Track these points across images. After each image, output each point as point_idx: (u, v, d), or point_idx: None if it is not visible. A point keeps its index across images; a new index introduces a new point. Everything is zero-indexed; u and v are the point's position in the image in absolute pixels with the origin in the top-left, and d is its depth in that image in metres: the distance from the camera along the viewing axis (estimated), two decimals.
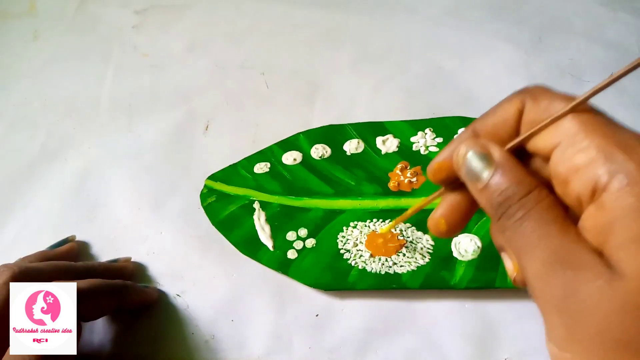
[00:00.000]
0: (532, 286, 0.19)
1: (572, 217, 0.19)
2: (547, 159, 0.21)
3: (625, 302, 0.16)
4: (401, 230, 0.39)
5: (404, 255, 0.37)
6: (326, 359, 0.34)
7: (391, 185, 0.41)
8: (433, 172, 0.24)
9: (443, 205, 0.24)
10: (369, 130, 0.45)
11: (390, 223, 0.36)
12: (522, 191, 0.19)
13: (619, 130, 0.19)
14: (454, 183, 0.24)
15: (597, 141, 0.19)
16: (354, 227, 0.39)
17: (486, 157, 0.21)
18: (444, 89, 0.50)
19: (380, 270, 0.37)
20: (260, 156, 0.44)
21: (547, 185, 0.20)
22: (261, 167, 0.43)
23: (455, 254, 0.37)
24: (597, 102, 0.53)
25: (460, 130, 0.44)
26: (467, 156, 0.21)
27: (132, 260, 0.39)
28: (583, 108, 0.20)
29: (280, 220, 0.40)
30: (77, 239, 0.40)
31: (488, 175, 0.20)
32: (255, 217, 0.40)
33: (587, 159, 0.18)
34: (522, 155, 0.22)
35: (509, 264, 0.23)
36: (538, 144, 0.21)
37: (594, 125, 0.19)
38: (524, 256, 0.19)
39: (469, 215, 0.24)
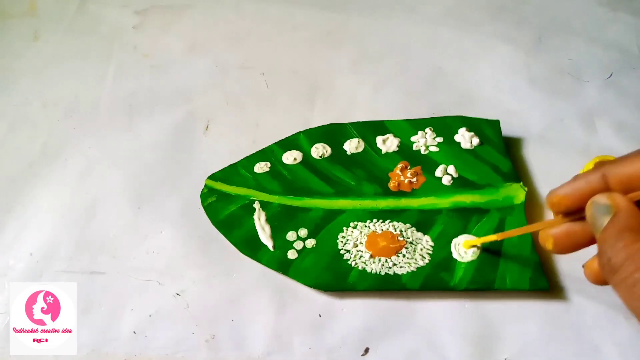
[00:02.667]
0: None
1: None
2: None
3: None
4: (401, 231, 0.39)
5: (404, 256, 0.37)
6: (326, 359, 0.34)
7: (391, 185, 0.41)
8: (552, 204, 0.24)
9: (559, 227, 0.25)
10: (369, 130, 0.45)
11: (483, 238, 0.36)
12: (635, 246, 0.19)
13: None
14: (573, 215, 0.24)
15: None
16: (354, 227, 0.39)
17: (608, 208, 0.21)
18: (444, 89, 0.50)
19: (380, 271, 0.37)
20: (260, 156, 0.44)
21: None
22: (261, 167, 0.43)
23: (454, 255, 0.37)
24: (597, 101, 0.53)
25: (460, 130, 0.44)
26: (592, 202, 0.21)
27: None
28: None
29: (281, 220, 0.40)
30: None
31: (603, 224, 0.21)
32: (255, 217, 0.40)
33: None
34: None
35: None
36: None
37: None
38: None
39: (582, 245, 0.24)
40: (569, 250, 0.25)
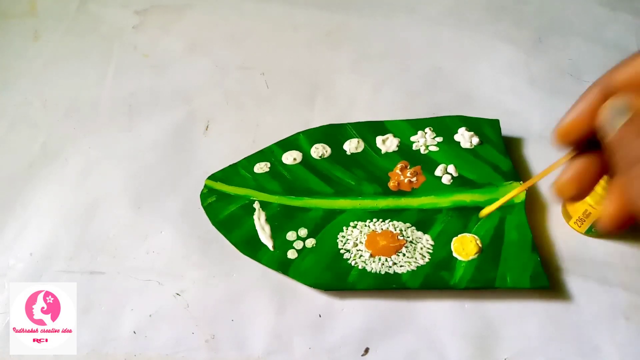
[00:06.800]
0: None
1: None
2: None
3: None
4: (401, 230, 0.39)
5: (404, 255, 0.37)
6: (326, 359, 0.34)
7: (391, 184, 0.41)
8: (564, 133, 0.23)
9: (571, 169, 0.23)
10: (369, 130, 0.45)
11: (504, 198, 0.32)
12: None
13: None
14: (583, 145, 0.23)
15: None
16: (354, 227, 0.39)
17: (624, 109, 0.20)
18: (444, 89, 0.50)
19: (380, 270, 0.37)
20: (260, 156, 0.44)
21: None
22: (261, 167, 0.43)
23: (455, 254, 0.37)
24: None
25: (460, 130, 0.44)
26: (606, 108, 0.21)
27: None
28: None
29: (280, 220, 0.40)
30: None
31: (618, 124, 0.20)
32: (255, 217, 0.40)
33: None
34: None
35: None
36: None
37: None
38: None
39: (596, 180, 0.23)
40: (590, 188, 0.23)
